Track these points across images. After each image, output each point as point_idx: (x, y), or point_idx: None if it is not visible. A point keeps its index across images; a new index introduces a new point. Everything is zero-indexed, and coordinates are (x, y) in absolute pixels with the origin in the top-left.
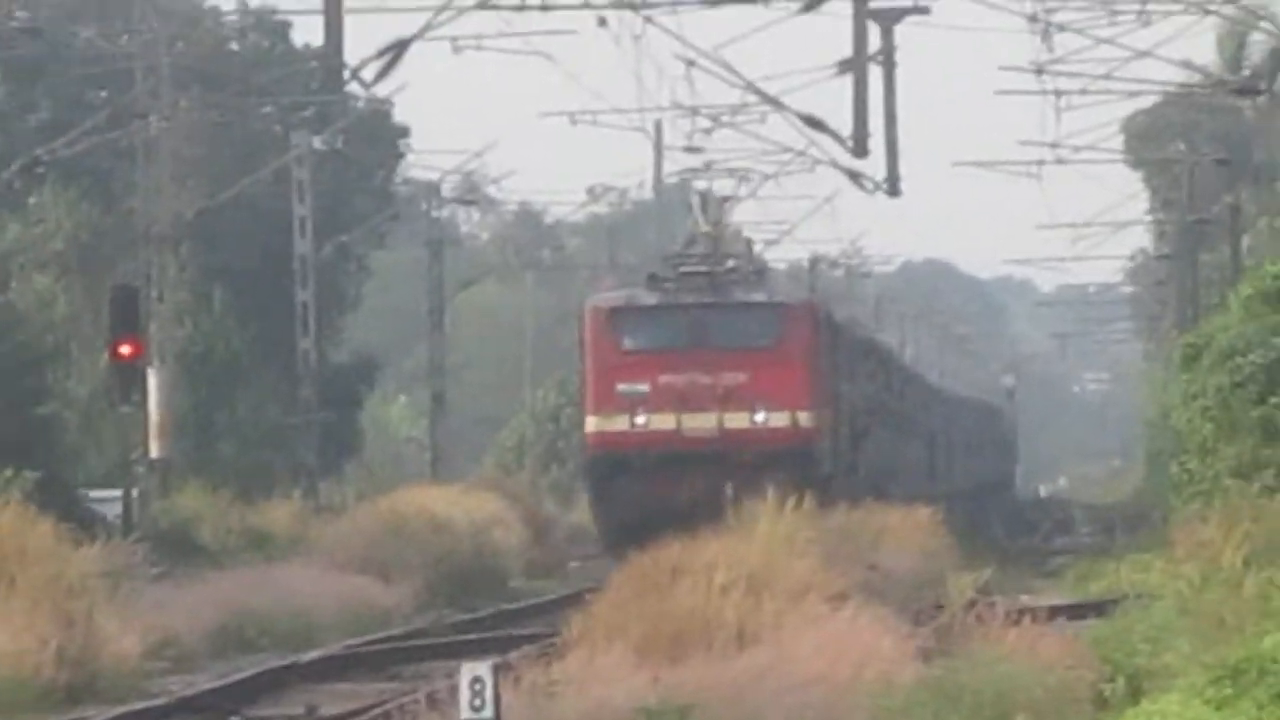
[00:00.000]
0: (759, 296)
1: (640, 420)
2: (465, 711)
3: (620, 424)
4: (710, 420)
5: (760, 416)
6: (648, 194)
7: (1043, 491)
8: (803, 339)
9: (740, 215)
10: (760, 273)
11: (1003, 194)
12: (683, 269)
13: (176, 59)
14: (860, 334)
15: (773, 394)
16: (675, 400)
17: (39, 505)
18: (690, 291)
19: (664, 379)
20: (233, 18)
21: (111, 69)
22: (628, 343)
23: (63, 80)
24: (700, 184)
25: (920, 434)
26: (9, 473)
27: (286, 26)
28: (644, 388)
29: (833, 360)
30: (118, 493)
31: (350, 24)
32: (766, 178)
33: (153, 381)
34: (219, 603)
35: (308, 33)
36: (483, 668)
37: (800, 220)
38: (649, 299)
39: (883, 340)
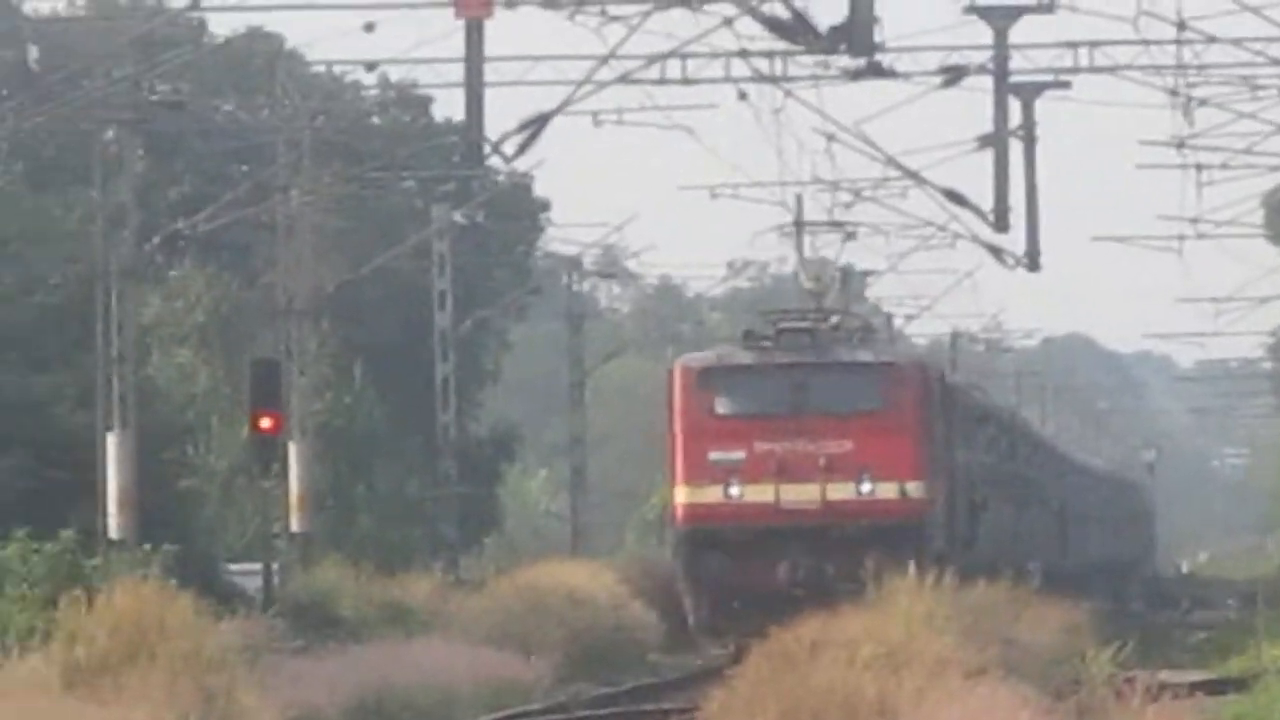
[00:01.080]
0: (864, 356)
1: (734, 491)
2: None
3: (713, 495)
4: (811, 492)
5: (866, 487)
6: (789, 268)
7: (1184, 567)
8: (912, 402)
9: (881, 289)
10: (866, 330)
11: (1142, 268)
12: (781, 325)
13: (317, 133)
14: (979, 398)
15: (880, 463)
16: (773, 469)
17: (179, 579)
18: (789, 350)
19: (760, 446)
20: (373, 92)
21: (252, 143)
22: (721, 406)
23: (203, 154)
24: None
25: (1051, 506)
26: (149, 547)
27: (427, 101)
28: (739, 455)
29: (947, 426)
30: (257, 566)
31: (491, 98)
32: (904, 254)
33: (293, 455)
34: (358, 677)
35: (448, 107)
36: None
37: (941, 295)
38: (744, 358)
39: (1004, 405)
